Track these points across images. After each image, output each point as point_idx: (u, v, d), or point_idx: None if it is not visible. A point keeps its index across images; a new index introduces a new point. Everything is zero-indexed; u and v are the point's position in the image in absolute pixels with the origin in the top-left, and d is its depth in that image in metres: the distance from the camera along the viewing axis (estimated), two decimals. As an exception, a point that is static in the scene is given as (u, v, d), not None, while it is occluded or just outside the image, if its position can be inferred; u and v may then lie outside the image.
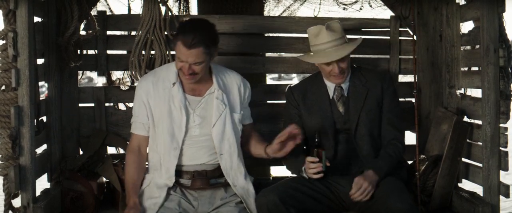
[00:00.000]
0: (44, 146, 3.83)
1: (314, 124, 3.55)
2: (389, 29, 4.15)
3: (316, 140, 3.33)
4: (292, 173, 3.63)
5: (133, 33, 4.05)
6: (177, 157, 3.31)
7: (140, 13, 3.95)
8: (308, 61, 3.55)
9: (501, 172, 3.51)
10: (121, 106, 4.12)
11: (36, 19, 3.54)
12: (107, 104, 4.06)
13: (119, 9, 4.42)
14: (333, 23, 3.50)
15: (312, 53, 3.54)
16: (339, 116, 3.54)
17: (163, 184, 3.31)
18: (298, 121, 3.62)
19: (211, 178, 3.37)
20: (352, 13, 4.43)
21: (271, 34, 4.38)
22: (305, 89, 3.63)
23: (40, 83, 3.71)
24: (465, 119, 3.80)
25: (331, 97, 3.56)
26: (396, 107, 3.59)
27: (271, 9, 4.87)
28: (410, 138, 3.88)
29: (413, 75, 3.88)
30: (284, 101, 4.02)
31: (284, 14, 4.85)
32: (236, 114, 3.42)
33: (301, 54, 3.81)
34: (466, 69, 3.90)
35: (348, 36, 3.58)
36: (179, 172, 3.35)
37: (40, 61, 3.68)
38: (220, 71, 3.46)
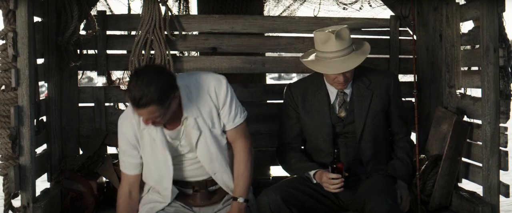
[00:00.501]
0: (44, 146, 3.83)
1: (312, 128, 3.53)
2: (389, 29, 4.16)
3: (335, 155, 3.29)
4: (291, 174, 3.61)
5: (133, 33, 4.05)
6: (170, 194, 3.21)
7: (140, 13, 3.95)
8: (312, 69, 3.47)
9: (501, 172, 3.51)
10: (121, 106, 4.12)
11: (36, 19, 3.55)
12: (107, 104, 4.06)
13: (119, 9, 4.43)
14: (342, 30, 3.39)
15: (314, 58, 3.48)
16: (338, 121, 3.51)
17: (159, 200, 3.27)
18: (296, 123, 3.59)
19: (211, 186, 3.33)
20: (352, 12, 4.43)
21: (271, 34, 4.38)
22: (305, 90, 3.57)
23: (40, 83, 3.71)
24: (465, 118, 3.80)
25: (332, 102, 3.51)
26: (402, 109, 3.64)
27: (271, 9, 4.87)
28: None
29: (413, 75, 3.88)
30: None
31: (284, 14, 4.85)
32: (215, 129, 3.18)
33: (301, 54, 3.80)
34: (466, 68, 3.89)
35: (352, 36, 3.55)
36: (179, 182, 3.30)
37: (40, 61, 3.68)
38: (187, 90, 3.12)
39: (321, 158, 3.53)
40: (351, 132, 3.51)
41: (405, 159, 3.58)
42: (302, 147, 3.67)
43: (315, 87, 3.55)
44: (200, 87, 3.15)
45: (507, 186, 3.48)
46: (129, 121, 3.18)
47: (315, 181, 3.40)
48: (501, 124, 3.48)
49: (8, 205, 3.36)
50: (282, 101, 3.99)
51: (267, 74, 4.87)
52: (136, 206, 3.27)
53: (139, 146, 3.20)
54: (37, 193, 3.46)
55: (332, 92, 3.51)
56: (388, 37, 4.16)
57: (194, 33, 4.22)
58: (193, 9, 4.64)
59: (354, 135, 3.50)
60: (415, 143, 3.70)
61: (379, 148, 3.54)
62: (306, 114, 3.54)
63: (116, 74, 4.20)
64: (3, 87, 3.31)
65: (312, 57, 3.52)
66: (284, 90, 3.67)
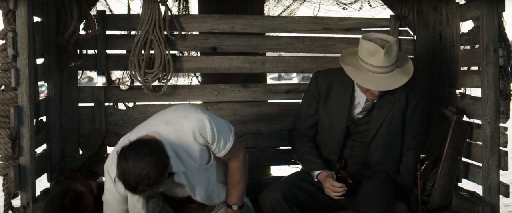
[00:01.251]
0: (44, 146, 3.83)
1: (326, 125, 3.47)
2: (389, 29, 4.15)
3: (342, 163, 3.26)
4: (296, 158, 3.58)
5: (133, 32, 4.05)
6: None
7: (140, 12, 3.94)
8: (351, 77, 3.29)
9: (501, 172, 3.51)
10: (121, 106, 4.12)
11: (36, 19, 3.54)
12: (106, 104, 4.06)
13: (119, 9, 4.42)
14: (392, 46, 3.23)
15: (355, 65, 3.31)
16: (352, 123, 3.45)
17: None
18: (314, 114, 3.50)
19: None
20: (352, 12, 4.42)
21: (271, 34, 4.38)
22: (331, 85, 3.43)
23: (40, 83, 3.71)
24: (465, 118, 3.80)
25: (354, 104, 3.42)
26: (419, 115, 3.44)
27: (270, 9, 4.87)
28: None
29: (413, 75, 3.88)
30: (284, 101, 4.02)
31: (284, 14, 4.85)
32: (208, 164, 3.13)
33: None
34: (465, 68, 3.90)
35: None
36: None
37: (39, 61, 3.68)
38: (172, 147, 2.96)
39: (326, 155, 3.50)
40: (362, 132, 3.45)
41: (408, 181, 3.48)
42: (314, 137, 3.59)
43: (342, 86, 3.42)
44: (184, 139, 3.01)
45: (507, 186, 3.48)
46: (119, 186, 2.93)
47: (316, 180, 3.40)
48: (501, 124, 3.49)
49: (8, 205, 3.35)
50: (281, 101, 4.00)
51: (267, 74, 4.87)
52: None
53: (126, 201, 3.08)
54: (37, 193, 3.45)
55: (362, 96, 3.40)
56: (388, 36, 4.16)
57: (194, 33, 4.22)
58: (193, 9, 4.64)
59: (364, 137, 3.45)
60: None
61: (390, 154, 3.46)
62: (324, 110, 3.46)
63: (116, 74, 4.20)
64: (3, 87, 3.31)
65: (352, 61, 3.35)
66: (312, 76, 3.53)
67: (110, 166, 2.97)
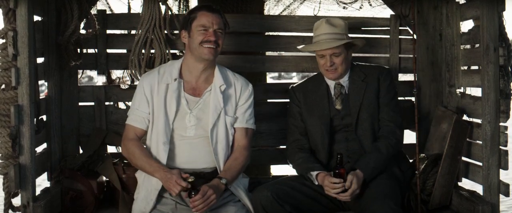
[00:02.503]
0: (44, 145, 3.83)
1: (311, 121, 3.56)
2: (389, 28, 4.15)
3: (338, 159, 3.27)
4: (297, 173, 3.60)
5: (133, 32, 4.05)
6: (166, 153, 3.30)
7: (140, 12, 3.95)
8: (302, 50, 3.65)
9: (501, 171, 3.51)
10: (121, 105, 4.12)
11: (36, 18, 3.55)
12: (107, 103, 4.06)
13: (119, 8, 4.43)
14: (335, 19, 3.61)
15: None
16: (336, 113, 3.54)
17: (155, 185, 3.28)
18: (301, 121, 3.62)
19: (209, 179, 3.34)
20: (352, 12, 4.43)
21: (271, 33, 4.38)
22: (306, 89, 3.64)
23: (40, 82, 3.71)
24: (465, 118, 3.80)
25: (331, 95, 3.57)
26: (393, 100, 3.59)
27: (271, 8, 4.87)
28: (410, 137, 3.88)
29: (413, 74, 3.88)
30: (284, 100, 4.03)
31: (284, 13, 4.85)
32: (228, 117, 3.40)
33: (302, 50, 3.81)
34: (466, 68, 3.90)
35: (350, 35, 3.57)
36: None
37: (40, 60, 3.68)
38: (224, 71, 3.48)
39: (319, 157, 3.52)
40: (349, 125, 3.53)
41: (374, 149, 3.45)
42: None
43: (316, 84, 3.63)
44: (231, 77, 3.49)
45: (507, 185, 3.48)
46: (151, 76, 3.42)
47: (317, 183, 3.39)
48: (501, 123, 3.49)
49: (8, 204, 3.36)
50: (282, 100, 4.01)
51: (267, 73, 4.87)
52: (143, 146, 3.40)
53: (152, 100, 3.36)
54: (37, 192, 3.45)
55: (330, 85, 3.60)
56: (388, 36, 4.16)
57: (194, 32, 4.21)
58: (193, 8, 4.63)
59: (353, 129, 3.52)
60: (415, 142, 3.69)
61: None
62: (308, 111, 3.59)
63: (116, 73, 4.20)
64: (3, 86, 3.31)
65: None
66: (288, 91, 3.74)
67: (148, 72, 3.50)
